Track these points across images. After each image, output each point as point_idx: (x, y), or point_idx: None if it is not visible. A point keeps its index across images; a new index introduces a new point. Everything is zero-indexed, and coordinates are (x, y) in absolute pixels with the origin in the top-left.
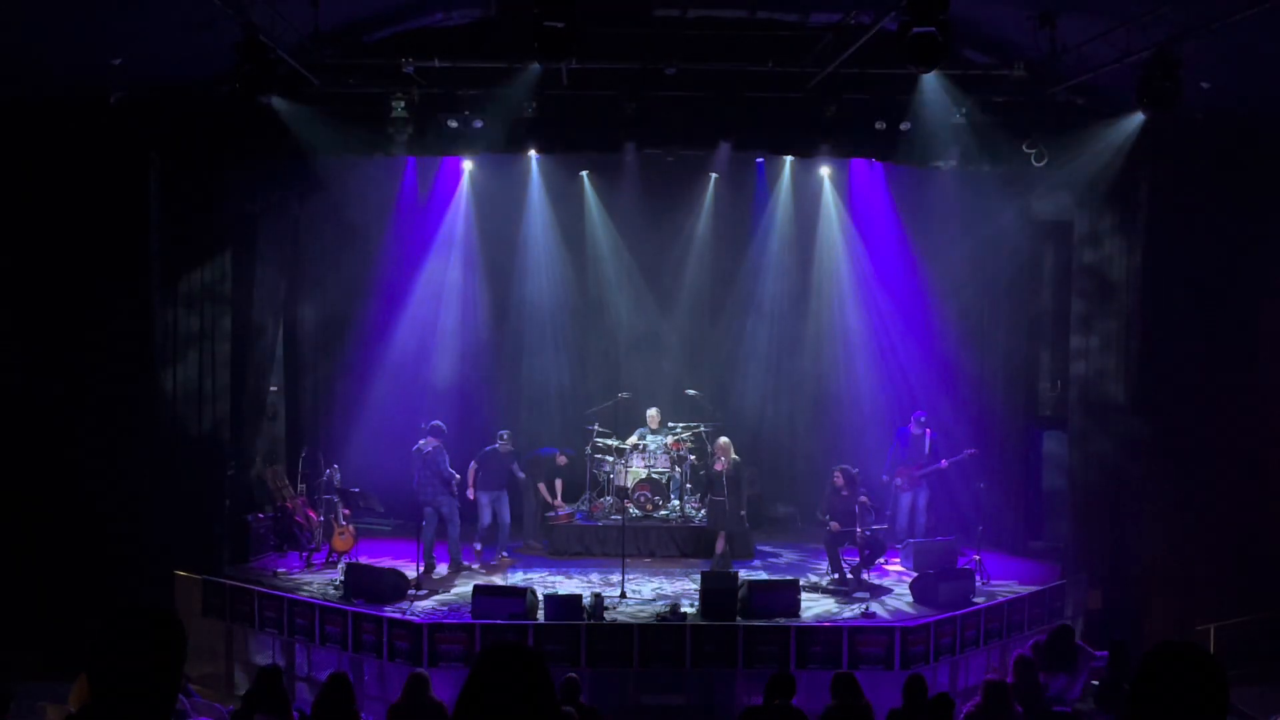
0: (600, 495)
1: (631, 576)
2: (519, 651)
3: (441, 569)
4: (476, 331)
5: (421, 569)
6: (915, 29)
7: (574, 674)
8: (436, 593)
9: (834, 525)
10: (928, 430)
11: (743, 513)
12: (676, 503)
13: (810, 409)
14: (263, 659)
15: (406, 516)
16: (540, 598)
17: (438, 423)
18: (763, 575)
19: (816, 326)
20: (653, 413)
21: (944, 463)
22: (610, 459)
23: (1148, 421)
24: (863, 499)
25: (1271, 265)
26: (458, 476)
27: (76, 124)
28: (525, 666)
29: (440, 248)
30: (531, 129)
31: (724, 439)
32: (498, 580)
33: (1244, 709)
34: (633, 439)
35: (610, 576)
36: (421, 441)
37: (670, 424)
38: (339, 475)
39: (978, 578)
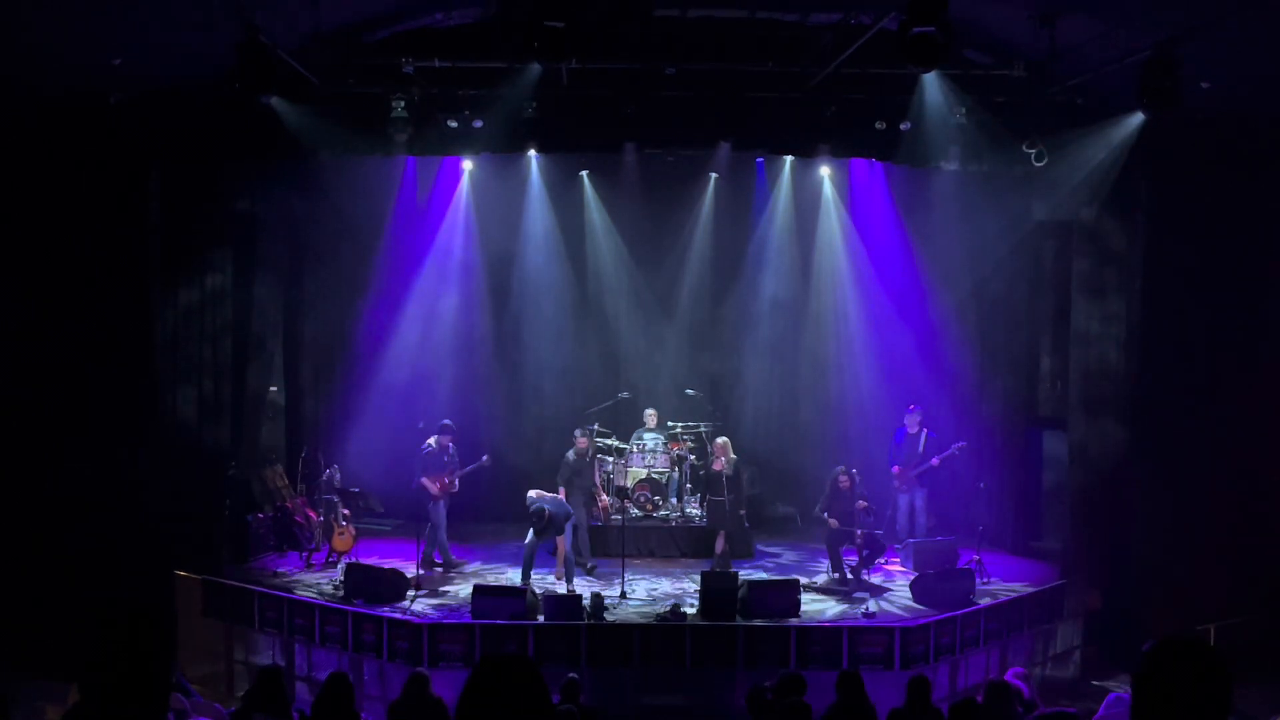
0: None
1: (631, 576)
2: (514, 662)
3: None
4: (476, 331)
5: (421, 569)
6: (915, 29)
7: (574, 674)
8: (436, 593)
9: (833, 521)
10: (925, 429)
11: (742, 512)
12: (676, 502)
13: (810, 409)
14: (263, 659)
15: (406, 516)
16: (540, 598)
17: (448, 421)
18: (763, 575)
19: (816, 326)
20: (650, 413)
21: (935, 460)
22: (610, 459)
23: (1148, 421)
24: (862, 503)
25: (1271, 265)
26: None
27: (76, 124)
28: (521, 677)
29: (440, 247)
30: (531, 129)
31: (723, 439)
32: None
33: (1244, 709)
34: (633, 440)
35: (610, 576)
36: (430, 440)
37: (670, 423)
38: (339, 475)
39: (978, 578)
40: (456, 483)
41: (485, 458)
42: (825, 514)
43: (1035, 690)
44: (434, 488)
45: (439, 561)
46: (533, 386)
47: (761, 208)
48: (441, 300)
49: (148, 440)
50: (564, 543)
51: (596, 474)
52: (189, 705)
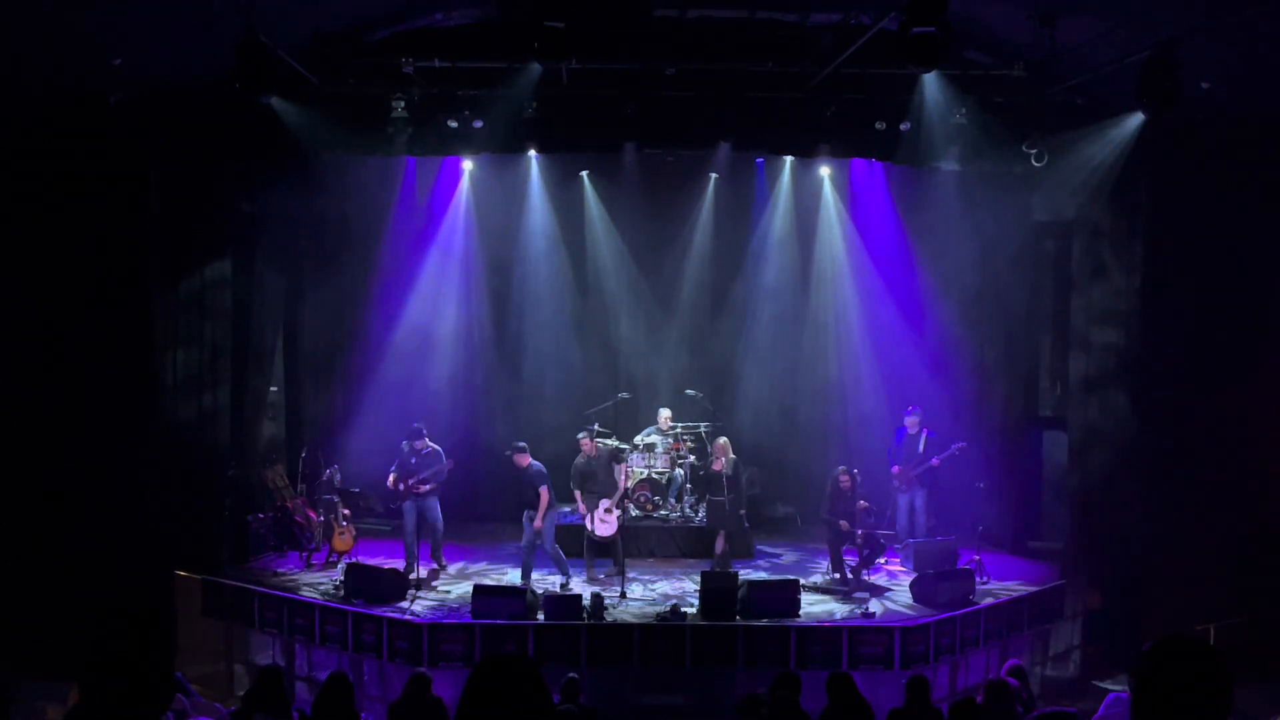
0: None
1: (631, 576)
2: (514, 662)
3: (450, 569)
4: (476, 331)
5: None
6: (915, 29)
7: (574, 674)
8: (436, 593)
9: (844, 524)
10: (924, 429)
11: (742, 512)
12: (676, 502)
13: (810, 409)
14: (263, 659)
15: (400, 516)
16: (540, 598)
17: (416, 425)
18: (763, 575)
19: (816, 327)
20: (666, 413)
21: (935, 460)
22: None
23: (1147, 421)
24: (862, 503)
25: (1272, 265)
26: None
27: (77, 124)
28: (521, 677)
29: (440, 248)
30: (531, 129)
31: (723, 439)
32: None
33: (1244, 709)
34: (639, 438)
35: (610, 576)
36: (420, 444)
37: (670, 423)
38: (339, 475)
39: (978, 578)
40: (421, 486)
41: (450, 462)
42: (832, 516)
43: (1032, 685)
44: (390, 485)
45: (443, 561)
46: (533, 386)
47: (761, 208)
48: (441, 300)
49: (148, 440)
50: (544, 527)
51: (622, 480)
52: (189, 705)
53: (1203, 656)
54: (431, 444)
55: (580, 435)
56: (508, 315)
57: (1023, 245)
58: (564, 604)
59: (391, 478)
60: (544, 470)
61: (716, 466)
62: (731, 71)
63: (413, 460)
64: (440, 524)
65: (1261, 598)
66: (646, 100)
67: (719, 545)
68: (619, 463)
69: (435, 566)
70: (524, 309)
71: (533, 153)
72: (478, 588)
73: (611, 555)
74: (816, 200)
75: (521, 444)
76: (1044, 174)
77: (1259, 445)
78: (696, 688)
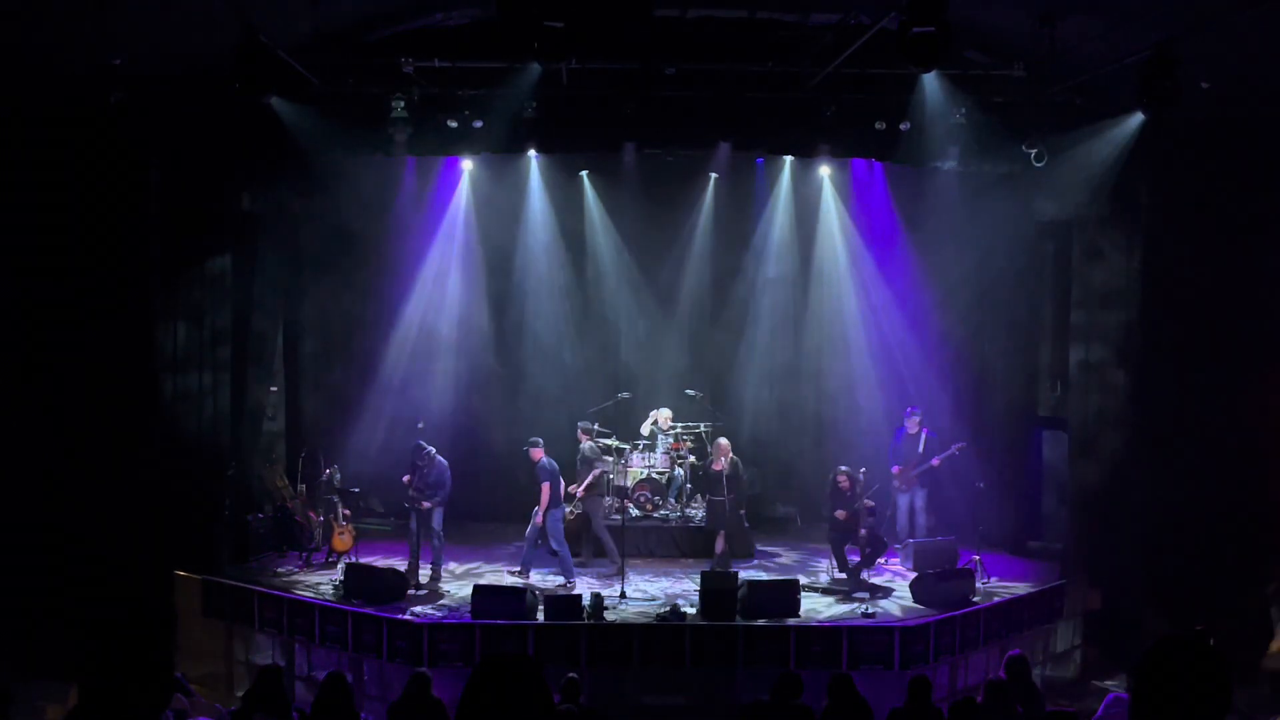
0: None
1: (631, 576)
2: (515, 662)
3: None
4: (476, 331)
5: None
6: (915, 29)
7: (574, 674)
8: (436, 593)
9: (841, 514)
10: (924, 429)
11: (742, 512)
12: (676, 502)
13: (810, 409)
14: (263, 659)
15: (406, 517)
16: (540, 598)
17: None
18: (763, 575)
19: (816, 327)
20: (666, 413)
21: (935, 460)
22: (610, 459)
23: (1147, 421)
24: (867, 503)
25: (1271, 265)
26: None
27: (76, 125)
28: (521, 677)
29: (440, 248)
30: (531, 129)
31: (723, 439)
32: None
33: (1244, 709)
34: (648, 423)
35: (610, 576)
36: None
37: (670, 423)
38: (339, 475)
39: (978, 578)
40: (422, 503)
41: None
42: (834, 515)
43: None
44: (405, 482)
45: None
46: (532, 386)
47: (761, 208)
48: (441, 300)
49: (148, 440)
50: (548, 526)
51: (583, 483)
52: (189, 705)
53: (1203, 656)
54: (436, 456)
55: (580, 424)
56: (507, 315)
57: (1023, 245)
58: (564, 604)
59: (407, 477)
60: (551, 467)
61: (716, 466)
62: (731, 71)
63: (418, 463)
64: (438, 539)
65: (1261, 598)
66: (646, 100)
67: (719, 545)
68: (586, 465)
69: (431, 575)
70: (524, 309)
71: (533, 152)
72: (478, 588)
73: (610, 555)
74: (816, 200)
75: (535, 439)
76: (1044, 174)
77: (1259, 443)
78: (696, 688)
